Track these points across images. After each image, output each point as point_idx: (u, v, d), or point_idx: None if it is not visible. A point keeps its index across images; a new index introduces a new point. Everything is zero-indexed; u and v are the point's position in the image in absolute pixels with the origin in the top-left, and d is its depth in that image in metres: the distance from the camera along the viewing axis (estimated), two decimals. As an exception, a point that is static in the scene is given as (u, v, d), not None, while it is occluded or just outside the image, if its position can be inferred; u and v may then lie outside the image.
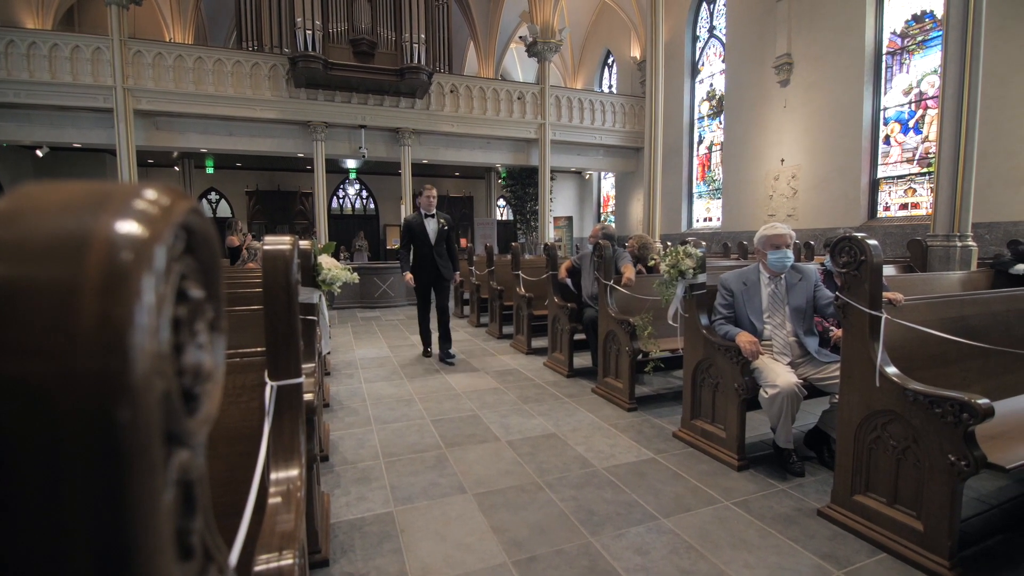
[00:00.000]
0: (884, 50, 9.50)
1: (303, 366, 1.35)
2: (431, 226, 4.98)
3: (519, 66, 19.73)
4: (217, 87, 10.69)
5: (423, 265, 5.00)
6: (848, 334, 2.15)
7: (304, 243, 2.49)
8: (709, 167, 13.84)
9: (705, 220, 13.81)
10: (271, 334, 1.25)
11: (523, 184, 17.23)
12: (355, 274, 2.98)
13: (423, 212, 5.00)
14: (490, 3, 15.76)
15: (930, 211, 6.37)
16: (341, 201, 18.94)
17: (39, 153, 11.22)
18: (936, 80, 8.30)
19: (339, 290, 2.79)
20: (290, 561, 0.89)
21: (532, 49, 13.36)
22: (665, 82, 10.75)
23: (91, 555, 0.20)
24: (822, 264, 3.23)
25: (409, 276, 5.05)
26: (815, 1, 10.31)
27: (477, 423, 3.46)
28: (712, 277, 3.12)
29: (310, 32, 10.41)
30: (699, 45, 13.84)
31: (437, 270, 5.00)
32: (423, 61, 11.36)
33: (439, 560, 1.98)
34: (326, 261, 2.75)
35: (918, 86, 9.05)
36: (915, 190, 9.16)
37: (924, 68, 8.89)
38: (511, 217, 19.59)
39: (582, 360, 4.94)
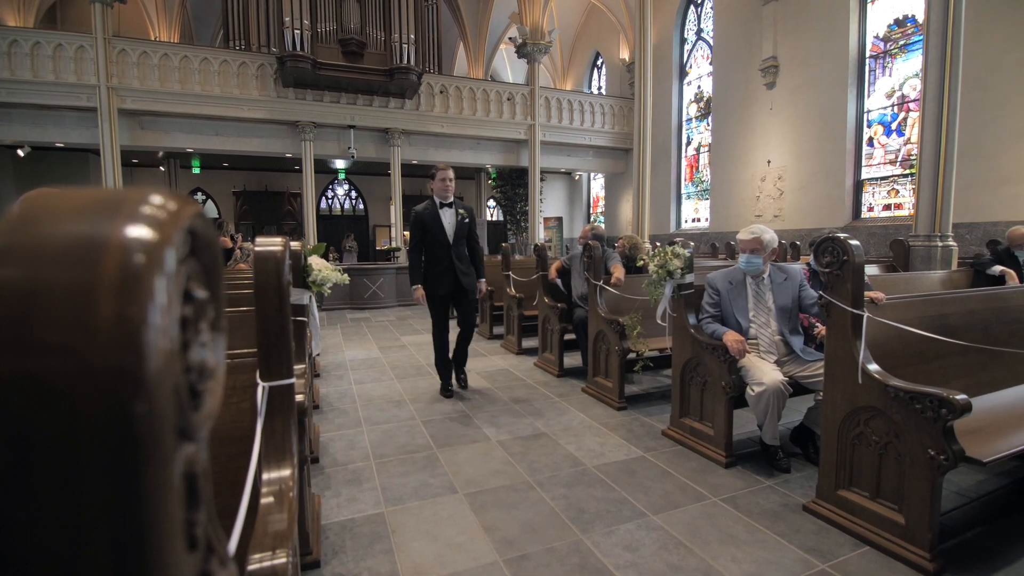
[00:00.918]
0: (867, 54, 9.67)
1: (294, 367, 1.36)
2: (448, 218, 3.88)
3: (509, 67, 19.76)
4: (203, 86, 10.58)
5: (439, 272, 3.87)
6: (831, 332, 2.20)
7: (295, 244, 2.49)
8: (697, 168, 13.97)
9: (694, 221, 13.94)
10: (263, 335, 1.25)
11: (513, 185, 17.24)
12: (345, 275, 2.98)
13: (437, 201, 3.89)
14: (480, 4, 15.77)
15: (912, 212, 6.50)
16: (330, 201, 18.84)
17: (20, 153, 11.02)
18: (918, 83, 8.46)
19: (329, 291, 2.79)
20: (283, 560, 0.89)
21: (522, 50, 13.39)
22: (653, 84, 10.84)
23: (109, 541, 0.21)
24: (808, 264, 3.29)
25: (420, 293, 3.87)
26: (800, 5, 10.46)
27: (468, 423, 3.46)
28: (700, 277, 3.16)
29: (298, 32, 10.34)
30: (687, 47, 13.97)
31: (457, 278, 3.88)
32: (412, 62, 11.35)
33: (430, 560, 1.99)
34: (316, 262, 2.74)
35: (900, 89, 9.22)
36: (898, 191, 9.32)
37: (906, 71, 9.06)
38: (501, 218, 19.60)
39: (572, 360, 4.97)
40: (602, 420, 3.50)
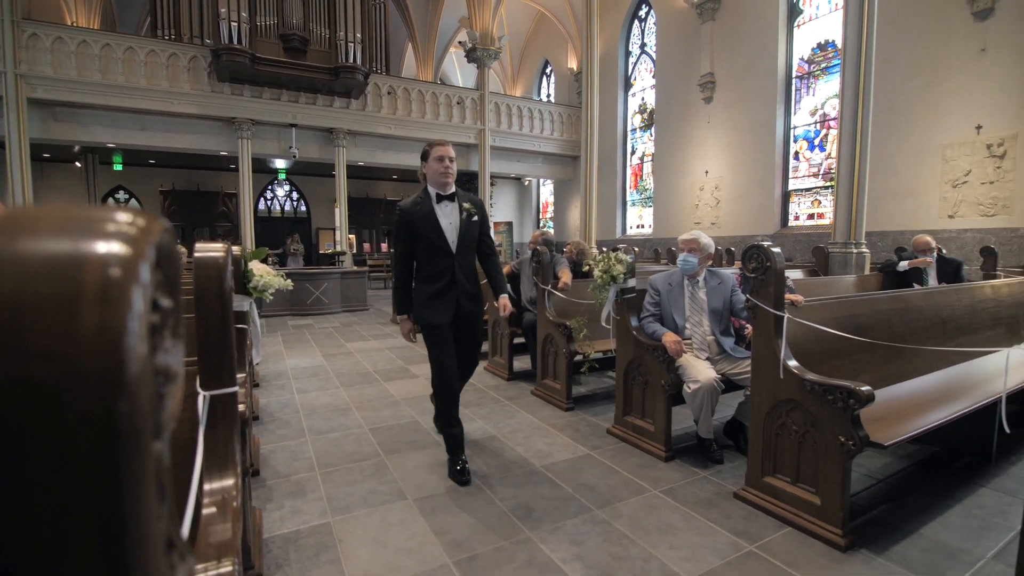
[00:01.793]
0: (794, 74, 10.43)
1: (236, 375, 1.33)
2: (449, 216, 2.72)
3: (459, 71, 19.74)
4: (128, 77, 9.89)
5: (436, 292, 2.70)
6: (757, 332, 2.39)
7: (235, 248, 2.41)
8: (641, 177, 14.52)
9: (638, 227, 14.46)
10: (204, 343, 1.22)
11: (463, 189, 17.20)
12: (288, 281, 2.91)
13: (433, 192, 2.72)
14: (429, 5, 15.69)
15: (831, 221, 7.07)
16: (269, 203, 18.09)
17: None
18: (837, 103, 9.25)
19: (271, 297, 2.71)
20: (229, 568, 0.89)
21: (472, 55, 13.44)
22: (600, 94, 11.18)
23: (97, 527, 0.24)
24: (739, 269, 3.53)
25: (408, 326, 2.81)
26: (735, 25, 11.14)
27: (417, 429, 3.45)
28: (643, 282, 3.32)
29: (235, 24, 9.90)
30: (632, 60, 14.51)
31: (459, 301, 2.73)
32: (359, 61, 11.13)
33: (379, 566, 1.98)
34: (257, 267, 2.66)
35: (822, 108, 10.02)
36: (820, 202, 10.10)
37: (827, 92, 9.85)
38: (450, 221, 19.48)
39: (522, 363, 5.04)
40: (550, 421, 3.58)
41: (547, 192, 18.48)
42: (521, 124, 14.42)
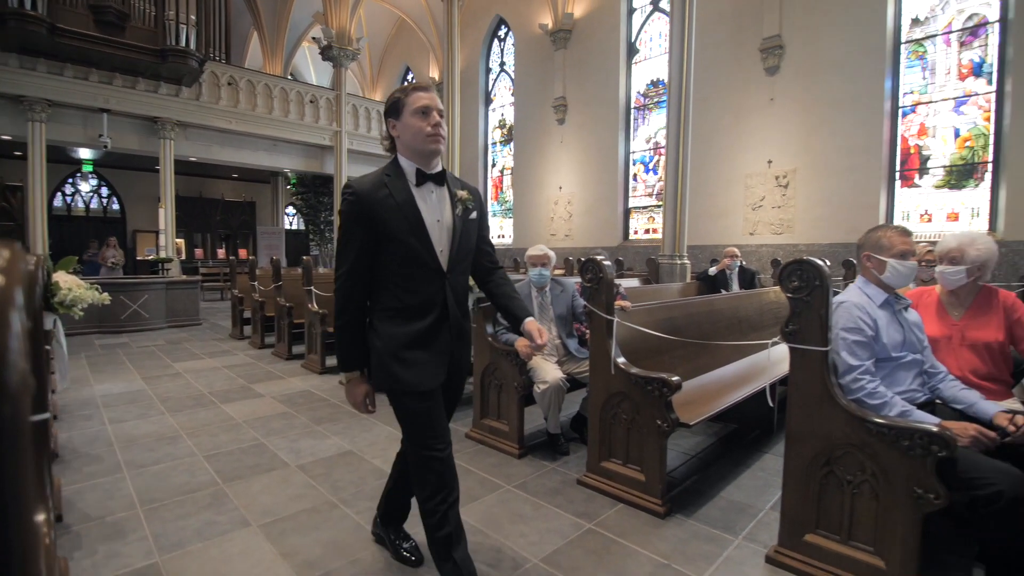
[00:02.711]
0: (632, 105, 11.83)
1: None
2: (437, 209, 1.70)
3: (312, 68, 18.64)
4: None
5: (424, 335, 1.70)
6: (593, 334, 2.69)
7: (31, 257, 2.01)
8: (502, 189, 15.16)
9: (499, 237, 15.03)
10: None
11: (316, 192, 16.18)
12: (105, 294, 2.51)
13: (411, 169, 1.67)
14: (278, -5, 14.59)
15: (661, 236, 8.16)
16: (69, 199, 15.16)
17: None
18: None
19: (81, 313, 2.31)
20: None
21: (327, 53, 12.82)
22: (461, 106, 11.46)
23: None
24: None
25: (363, 389, 1.89)
26: (583, 56, 12.27)
27: (262, 452, 3.19)
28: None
29: (26, -17, 8.16)
30: (492, 77, 15.12)
31: (456, 345, 1.79)
32: (192, 45, 9.92)
33: (216, 603, 1.81)
34: (64, 279, 2.25)
35: (655, 136, 11.51)
36: (654, 218, 11.56)
37: (659, 123, 11.34)
38: (302, 227, 18.22)
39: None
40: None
41: (411, 200, 18.25)
42: (381, 128, 14.08)
